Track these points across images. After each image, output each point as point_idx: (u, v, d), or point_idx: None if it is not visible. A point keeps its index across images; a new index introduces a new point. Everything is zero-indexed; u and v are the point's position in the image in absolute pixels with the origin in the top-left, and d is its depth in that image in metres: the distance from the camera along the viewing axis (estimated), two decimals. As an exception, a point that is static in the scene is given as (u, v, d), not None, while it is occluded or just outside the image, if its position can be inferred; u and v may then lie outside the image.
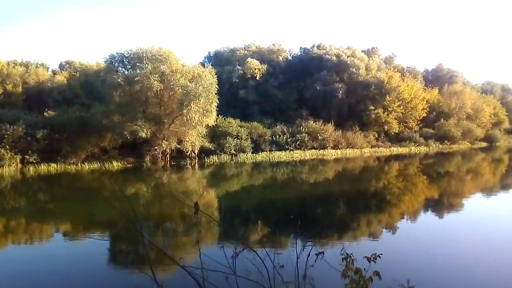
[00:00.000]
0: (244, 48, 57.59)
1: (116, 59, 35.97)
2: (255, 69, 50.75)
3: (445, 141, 55.98)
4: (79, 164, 32.35)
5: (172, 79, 34.08)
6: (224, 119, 41.28)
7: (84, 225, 15.56)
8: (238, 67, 51.26)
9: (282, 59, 56.22)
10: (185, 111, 33.40)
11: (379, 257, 4.69)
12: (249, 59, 51.67)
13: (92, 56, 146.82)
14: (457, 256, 10.55)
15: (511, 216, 15.57)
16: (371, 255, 4.78)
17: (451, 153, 49.23)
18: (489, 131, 64.98)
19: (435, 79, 71.18)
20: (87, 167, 32.19)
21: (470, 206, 18.43)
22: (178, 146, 36.31)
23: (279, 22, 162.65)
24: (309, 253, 5.37)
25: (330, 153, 44.81)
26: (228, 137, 39.59)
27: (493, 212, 16.60)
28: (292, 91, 52.50)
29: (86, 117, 34.80)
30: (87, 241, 12.45)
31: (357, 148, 47.63)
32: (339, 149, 46.45)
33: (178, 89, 34.35)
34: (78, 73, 46.29)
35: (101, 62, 42.64)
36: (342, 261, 5.08)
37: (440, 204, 19.30)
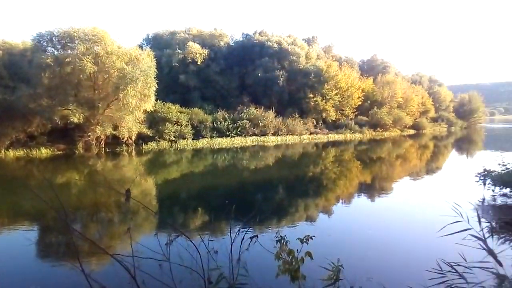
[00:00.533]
0: (185, 31, 56.01)
1: (45, 38, 33.11)
2: (196, 54, 49.65)
3: (378, 129, 59.00)
4: (2, 151, 29.73)
5: (107, 61, 32.23)
6: (163, 104, 40.01)
7: (9, 216, 14.34)
8: (179, 51, 49.81)
9: (224, 44, 55.52)
10: (121, 95, 31.84)
11: (311, 238, 4.74)
12: (190, 43, 50.40)
13: (18, 34, 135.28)
14: (384, 237, 11.14)
15: (433, 198, 16.73)
16: (304, 237, 4.82)
17: (383, 140, 52.02)
18: (417, 119, 69.45)
19: (370, 69, 74.55)
20: (11, 154, 29.69)
21: (399, 189, 19.60)
22: (114, 132, 34.63)
23: (221, 7, 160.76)
24: (243, 237, 5.33)
25: (271, 140, 45.41)
26: (167, 123, 38.46)
27: (418, 194, 17.81)
28: (234, 77, 52.27)
29: (10, 101, 31.85)
30: (13, 233, 11.79)
31: (297, 135, 48.72)
32: (280, 135, 47.21)
33: (114, 72, 32.60)
34: (1, 52, 42.18)
35: (27, 41, 39.17)
36: (276, 244, 5.09)
37: (372, 188, 20.31)
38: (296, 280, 4.71)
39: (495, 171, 15.93)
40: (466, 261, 3.76)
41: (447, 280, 3.67)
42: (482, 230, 3.76)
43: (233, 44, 57.98)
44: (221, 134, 42.72)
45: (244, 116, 45.33)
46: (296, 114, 51.45)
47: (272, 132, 46.90)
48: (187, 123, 40.35)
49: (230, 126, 43.61)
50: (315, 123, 53.69)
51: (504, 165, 15.87)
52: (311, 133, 51.20)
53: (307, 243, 4.83)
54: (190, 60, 49.36)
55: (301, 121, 50.99)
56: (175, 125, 39.17)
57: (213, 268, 4.73)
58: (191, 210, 15.03)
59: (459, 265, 3.72)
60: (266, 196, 17.76)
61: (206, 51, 50.91)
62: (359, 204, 16.42)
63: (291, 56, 53.50)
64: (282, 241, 5.04)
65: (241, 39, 58.89)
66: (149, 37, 59.56)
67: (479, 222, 3.90)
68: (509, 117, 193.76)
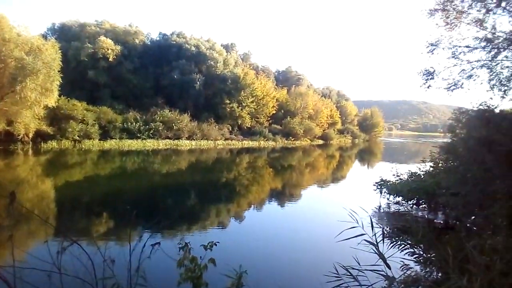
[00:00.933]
0: (97, 24, 52.48)
1: None
2: (108, 49, 46.89)
3: (290, 137, 61.43)
4: None
5: (4, 49, 28.94)
6: (68, 100, 36.97)
7: None
8: (88, 44, 46.53)
9: (139, 42, 53.25)
10: (18, 87, 28.77)
11: (215, 245, 4.58)
12: (102, 38, 47.42)
13: None
14: (288, 242, 11.43)
15: (336, 205, 17.72)
16: (208, 244, 4.64)
17: (294, 148, 54.23)
18: (326, 131, 73.85)
19: (285, 80, 77.54)
20: None
21: (306, 196, 20.44)
22: (8, 128, 31.04)
23: (138, 2, 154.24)
24: (144, 244, 4.97)
25: (185, 144, 44.59)
26: (71, 121, 35.55)
27: (322, 201, 18.73)
28: (148, 77, 50.32)
29: None
30: None
31: (212, 140, 48.52)
32: (194, 140, 46.57)
33: (11, 61, 29.31)
34: None
35: None
36: (179, 251, 4.84)
37: (282, 194, 20.89)
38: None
39: (390, 181, 17.39)
40: (360, 265, 3.91)
41: (343, 283, 3.76)
42: (375, 235, 3.95)
43: (149, 43, 55.92)
44: (132, 135, 40.74)
45: (158, 118, 43.83)
46: (212, 119, 51.28)
47: (187, 136, 46.09)
48: (94, 122, 37.75)
49: (142, 127, 41.78)
50: (230, 129, 54.05)
51: (397, 176, 17.41)
52: (226, 139, 51.39)
53: (211, 250, 4.65)
54: (101, 56, 46.41)
55: (217, 127, 50.96)
56: (80, 123, 36.38)
57: (106, 277, 4.30)
58: (92, 216, 13.87)
59: (353, 269, 3.85)
60: (176, 202, 17.21)
61: (119, 48, 48.34)
62: (268, 210, 16.72)
63: (209, 61, 53.32)
64: (185, 248, 4.78)
65: (158, 38, 57.09)
66: (55, 27, 54.61)
67: (372, 228, 4.09)
68: (404, 132, 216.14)
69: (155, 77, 50.94)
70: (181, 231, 11.97)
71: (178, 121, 45.21)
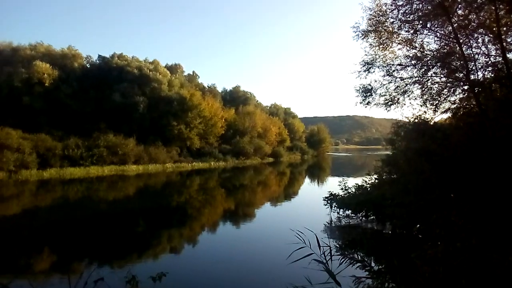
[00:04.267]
0: (30, 48, 49.79)
1: None
2: (44, 74, 44.54)
3: (241, 157, 61.49)
4: None
5: None
6: (1, 129, 34.45)
7: None
8: (22, 69, 43.97)
9: (78, 65, 51.15)
10: None
11: (165, 275, 4.38)
12: (37, 62, 45.01)
13: None
14: (240, 265, 11.29)
15: (287, 224, 17.84)
16: (157, 275, 4.43)
17: (245, 167, 54.34)
18: (275, 148, 74.84)
19: (232, 99, 77.96)
20: None
21: (258, 216, 20.39)
22: None
23: (74, 23, 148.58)
24: (86, 282, 4.64)
25: (132, 169, 42.98)
26: (5, 150, 33.05)
27: (274, 220, 18.74)
28: (89, 101, 48.07)
29: None
30: None
31: (160, 163, 47.23)
32: (141, 164, 45.05)
33: None
34: None
35: None
36: (126, 285, 4.58)
37: (235, 215, 20.72)
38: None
39: (339, 195, 17.85)
40: (311, 284, 3.91)
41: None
42: (323, 253, 3.98)
43: (88, 66, 53.88)
44: (74, 163, 38.58)
45: (101, 143, 41.86)
46: (160, 142, 50.03)
47: (133, 160, 44.49)
48: (31, 150, 35.36)
49: (84, 154, 39.66)
50: (179, 151, 53.03)
51: (346, 190, 17.93)
52: (175, 162, 50.31)
53: (160, 281, 4.43)
54: (36, 81, 43.90)
55: (165, 149, 49.77)
56: (16, 152, 33.94)
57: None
58: (29, 254, 12.77)
59: (304, 288, 3.85)
60: (124, 230, 16.41)
61: (56, 72, 46.09)
62: (221, 233, 16.47)
63: (152, 83, 52.37)
64: (132, 282, 4.53)
65: (97, 61, 55.05)
66: (-16, 51, 51.14)
67: (319, 246, 4.13)
68: (350, 146, 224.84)
69: (96, 101, 48.84)
70: (130, 261, 11.39)
71: (124, 145, 43.53)
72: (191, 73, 71.24)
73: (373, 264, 6.12)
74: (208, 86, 72.89)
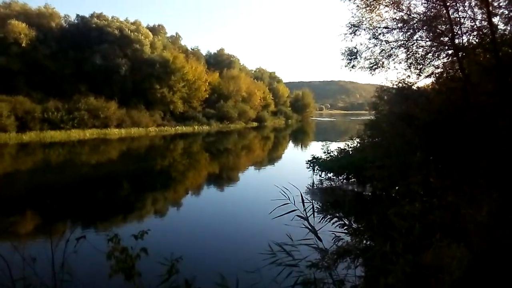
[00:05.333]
0: (4, 6, 47.37)
1: None
2: (21, 34, 42.66)
3: (225, 121, 61.24)
4: None
5: None
6: (-24, 91, 33.33)
7: None
8: (-4, 29, 41.98)
9: (56, 25, 49.02)
10: None
11: (147, 233, 4.40)
12: (13, 21, 42.94)
13: None
14: (223, 226, 11.49)
15: (271, 185, 18.09)
16: (139, 233, 4.44)
17: (229, 132, 54.26)
18: (260, 113, 74.68)
19: (216, 63, 76.47)
20: None
21: (242, 178, 20.61)
22: None
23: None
24: (68, 239, 4.64)
25: (114, 132, 42.43)
26: (-19, 113, 32.19)
27: (258, 182, 19.01)
28: (68, 62, 46.43)
29: None
30: None
31: (143, 127, 46.72)
32: (124, 128, 44.48)
33: None
34: None
35: None
36: (108, 243, 4.61)
37: (219, 178, 20.88)
38: (132, 278, 4.32)
39: (321, 158, 18.09)
40: (292, 240, 4.00)
41: (278, 259, 3.82)
42: (305, 210, 4.05)
43: (67, 26, 51.64)
44: (54, 126, 37.83)
45: (82, 106, 40.99)
46: (142, 106, 49.28)
47: (115, 124, 43.85)
48: (9, 113, 34.41)
49: (65, 117, 38.86)
50: (162, 115, 52.45)
51: (328, 153, 18.15)
52: (158, 126, 49.85)
53: (142, 239, 4.46)
54: (12, 41, 42.07)
55: (148, 113, 49.14)
56: (-7, 115, 33.06)
57: (19, 279, 3.94)
58: (10, 214, 12.73)
59: (287, 245, 3.93)
60: (107, 193, 16.42)
61: (33, 32, 44.15)
62: (205, 195, 16.63)
63: (134, 44, 50.80)
64: (114, 239, 4.55)
65: (76, 21, 52.77)
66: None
67: (303, 203, 4.19)
68: (334, 111, 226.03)
69: (76, 63, 47.24)
70: (113, 223, 11.49)
71: (105, 109, 42.74)
72: (174, 35, 69.23)
73: (352, 223, 6.31)
74: (191, 48, 71.23)
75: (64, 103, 40.30)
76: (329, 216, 5.59)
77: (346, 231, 5.66)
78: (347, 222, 5.68)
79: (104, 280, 4.76)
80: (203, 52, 76.56)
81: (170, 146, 36.66)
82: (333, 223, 5.63)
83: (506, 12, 10.37)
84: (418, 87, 14.62)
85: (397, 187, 12.33)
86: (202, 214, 12.90)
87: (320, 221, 5.27)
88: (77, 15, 52.96)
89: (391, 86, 14.71)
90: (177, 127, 52.06)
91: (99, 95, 43.77)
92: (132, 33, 51.49)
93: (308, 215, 4.15)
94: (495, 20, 10.78)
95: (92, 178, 19.90)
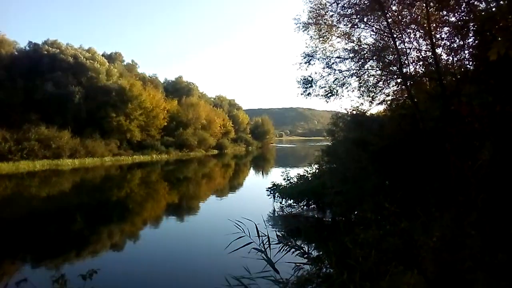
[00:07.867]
0: (-51, 32, 45.05)
1: None
2: (-34, 61, 40.53)
3: (184, 149, 60.37)
4: None
5: None
6: None
7: None
8: None
9: (6, 53, 47.03)
10: None
11: (96, 272, 4.13)
12: (-43, 48, 40.83)
13: None
14: (179, 259, 11.17)
15: (230, 215, 17.86)
16: (87, 272, 4.16)
17: (189, 160, 53.51)
18: (220, 140, 74.45)
19: (175, 90, 75.95)
20: None
21: (203, 208, 20.21)
22: None
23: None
24: (7, 284, 4.26)
25: (66, 163, 40.47)
26: None
27: (217, 212, 18.60)
28: (18, 91, 44.11)
29: None
30: None
31: (98, 157, 44.99)
32: (77, 158, 42.59)
33: None
34: None
35: None
36: (54, 284, 4.27)
37: (178, 209, 20.34)
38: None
39: (281, 185, 18.15)
40: (250, 274, 3.89)
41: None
42: (262, 243, 3.97)
43: (16, 53, 49.67)
44: (1, 157, 35.55)
45: (32, 136, 38.98)
46: (97, 134, 47.55)
47: (68, 154, 41.89)
48: (-49, 145, 32.12)
49: (13, 148, 36.68)
50: (118, 144, 50.87)
51: (288, 180, 18.26)
52: (114, 155, 48.21)
53: (91, 279, 4.17)
54: (-44, 68, 39.85)
55: (103, 142, 47.46)
56: None
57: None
58: None
59: (244, 278, 3.81)
60: (57, 228, 15.46)
61: (-20, 59, 42.06)
62: (163, 227, 16.15)
63: (89, 72, 49.61)
64: (59, 281, 4.22)
65: (27, 48, 50.93)
66: None
67: (258, 235, 4.11)
68: (293, 138, 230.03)
69: (26, 91, 45.06)
70: (62, 260, 10.73)
71: (57, 138, 40.82)
72: (130, 62, 68.43)
73: (312, 251, 6.27)
74: (149, 76, 70.49)
75: (12, 133, 38.13)
76: (288, 245, 5.52)
77: (306, 259, 5.60)
78: (307, 250, 5.63)
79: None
80: (161, 79, 76.09)
81: (127, 176, 35.51)
82: (293, 252, 5.57)
83: (448, 43, 11.09)
84: (371, 114, 15.22)
85: (355, 212, 12.56)
86: (158, 248, 12.41)
87: (280, 250, 5.20)
88: (29, 42, 51.26)
89: (346, 113, 15.22)
90: (135, 156, 50.61)
91: (51, 124, 41.86)
92: (87, 61, 50.37)
93: (265, 247, 4.07)
94: (439, 51, 11.50)
95: (41, 212, 18.70)
